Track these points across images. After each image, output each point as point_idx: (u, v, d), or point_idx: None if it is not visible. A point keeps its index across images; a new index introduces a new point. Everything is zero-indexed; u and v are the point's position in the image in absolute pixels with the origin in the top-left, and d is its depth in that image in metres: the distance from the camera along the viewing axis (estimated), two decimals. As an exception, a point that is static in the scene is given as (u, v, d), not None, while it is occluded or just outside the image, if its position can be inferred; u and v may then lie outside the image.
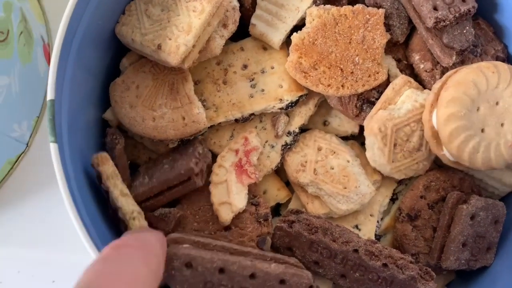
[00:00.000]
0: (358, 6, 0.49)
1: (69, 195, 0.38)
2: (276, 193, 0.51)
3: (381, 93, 0.51)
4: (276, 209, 0.53)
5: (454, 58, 0.50)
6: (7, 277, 0.57)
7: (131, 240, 0.35)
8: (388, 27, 0.50)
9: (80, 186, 0.40)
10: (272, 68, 0.51)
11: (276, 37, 0.50)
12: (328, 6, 0.49)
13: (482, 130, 0.47)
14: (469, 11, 0.49)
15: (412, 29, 0.53)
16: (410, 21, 0.52)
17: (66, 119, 0.41)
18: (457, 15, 0.49)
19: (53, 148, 0.38)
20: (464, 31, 0.50)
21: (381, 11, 0.49)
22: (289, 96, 0.50)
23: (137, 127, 0.47)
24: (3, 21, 0.50)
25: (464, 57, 0.51)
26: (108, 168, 0.41)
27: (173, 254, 0.38)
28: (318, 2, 0.50)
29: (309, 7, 0.50)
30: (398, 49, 0.53)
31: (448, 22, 0.49)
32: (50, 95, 0.39)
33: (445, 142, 0.47)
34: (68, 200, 0.38)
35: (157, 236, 0.37)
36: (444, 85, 0.47)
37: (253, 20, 0.51)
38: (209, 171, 0.48)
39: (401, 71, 0.52)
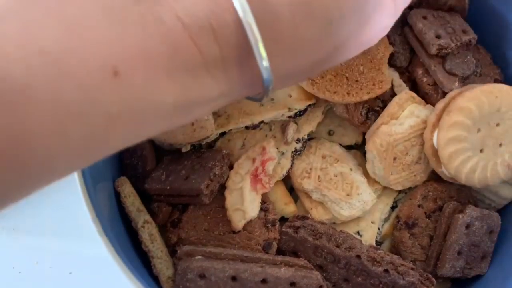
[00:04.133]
0: None
1: (85, 189, 0.38)
2: (283, 207, 0.47)
3: (385, 102, 0.48)
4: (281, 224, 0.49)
5: (456, 84, 0.47)
6: (26, 267, 0.54)
7: None
8: (391, 54, 0.48)
9: (94, 182, 0.39)
10: (282, 79, 0.48)
11: None
12: None
13: (481, 151, 0.44)
14: (470, 41, 0.47)
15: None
16: (412, 48, 0.49)
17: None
18: (458, 44, 0.46)
19: None
20: (466, 60, 0.47)
21: None
22: (298, 105, 0.46)
23: None
24: None
25: (471, 71, 0.48)
26: (126, 188, 0.43)
27: (186, 267, 0.36)
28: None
29: None
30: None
31: (450, 50, 0.46)
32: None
33: (444, 163, 0.44)
34: (84, 194, 0.38)
35: None
36: (446, 107, 0.44)
37: None
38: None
39: (403, 82, 0.49)
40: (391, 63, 0.48)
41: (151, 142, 0.46)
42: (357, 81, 0.46)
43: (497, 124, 0.44)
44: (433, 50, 0.46)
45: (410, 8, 0.49)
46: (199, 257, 0.38)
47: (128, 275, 0.35)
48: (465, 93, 0.44)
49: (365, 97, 0.46)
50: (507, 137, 0.44)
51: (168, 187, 0.42)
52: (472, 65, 0.47)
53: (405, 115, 0.46)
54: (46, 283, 0.53)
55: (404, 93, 0.47)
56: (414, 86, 0.50)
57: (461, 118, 0.43)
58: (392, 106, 0.46)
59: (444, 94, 0.47)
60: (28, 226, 0.55)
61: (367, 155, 0.47)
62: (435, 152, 0.45)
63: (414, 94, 0.47)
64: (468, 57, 0.48)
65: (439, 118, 0.45)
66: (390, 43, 0.47)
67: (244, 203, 0.43)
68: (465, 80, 0.47)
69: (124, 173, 0.46)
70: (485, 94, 0.44)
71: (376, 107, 0.48)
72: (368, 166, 0.47)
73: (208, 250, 0.38)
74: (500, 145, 0.44)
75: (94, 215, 0.37)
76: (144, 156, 0.46)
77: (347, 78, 0.46)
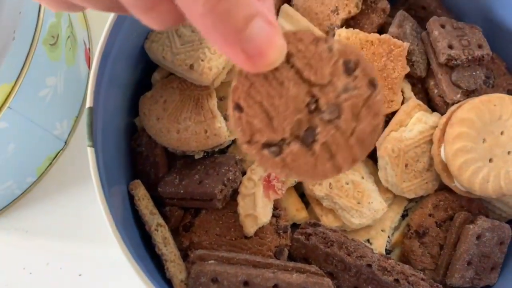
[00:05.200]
0: (385, 36, 0.46)
1: (102, 194, 0.37)
2: (294, 213, 0.47)
3: (394, 114, 0.48)
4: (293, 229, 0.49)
5: (458, 96, 0.47)
6: (36, 268, 0.54)
7: None
8: (411, 63, 0.48)
9: (109, 185, 0.39)
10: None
11: None
12: (356, 30, 0.46)
13: (490, 160, 0.44)
14: (483, 57, 0.47)
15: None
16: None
17: (100, 125, 0.39)
18: (469, 57, 0.46)
19: (90, 152, 0.37)
20: (474, 74, 0.47)
21: (406, 44, 0.46)
22: (310, 111, 0.46)
23: (162, 138, 0.45)
24: (55, 26, 0.48)
25: (477, 86, 0.48)
26: (139, 191, 0.43)
27: (199, 271, 0.36)
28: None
29: None
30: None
31: (459, 62, 0.46)
32: (89, 103, 0.38)
33: (456, 175, 0.44)
34: (102, 200, 0.37)
35: None
36: (448, 121, 0.45)
37: None
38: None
39: (415, 94, 0.49)
40: (411, 71, 0.48)
41: (164, 149, 0.46)
42: None
43: (502, 133, 0.44)
44: (442, 59, 0.46)
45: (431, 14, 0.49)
46: (212, 261, 0.38)
47: (142, 277, 0.35)
48: (464, 105, 0.45)
49: None
50: None
51: (181, 191, 0.42)
52: (480, 80, 0.47)
53: (413, 122, 0.46)
54: (56, 284, 0.53)
55: (411, 101, 0.47)
56: (426, 97, 0.50)
57: (464, 129, 0.43)
58: (400, 114, 0.47)
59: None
60: (39, 227, 0.55)
61: (379, 162, 0.47)
62: (445, 167, 0.45)
63: (421, 102, 0.47)
64: (478, 72, 0.47)
65: (443, 133, 0.45)
66: (409, 53, 0.47)
67: (257, 208, 0.43)
68: (469, 94, 0.47)
69: (137, 179, 0.46)
70: (483, 104, 0.44)
71: (385, 118, 0.48)
72: (381, 174, 0.47)
73: (221, 255, 0.38)
74: (509, 153, 0.44)
75: (110, 218, 0.37)
76: (156, 163, 0.46)
77: None
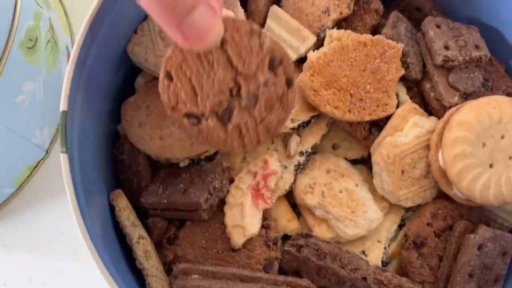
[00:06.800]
0: (378, 37, 0.44)
1: (76, 203, 0.35)
2: (285, 224, 0.44)
3: (389, 117, 0.45)
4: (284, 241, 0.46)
5: (456, 99, 0.45)
6: (18, 284, 0.52)
7: None
8: (406, 65, 0.46)
9: (87, 195, 0.37)
10: (284, 88, 0.46)
11: None
12: (348, 31, 0.44)
13: (491, 166, 0.42)
14: (480, 58, 0.45)
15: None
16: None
17: (78, 131, 0.37)
18: (467, 58, 0.44)
19: (63, 158, 0.35)
20: (472, 76, 0.45)
21: (400, 45, 0.44)
22: (301, 116, 0.44)
23: (144, 145, 0.43)
24: (32, 29, 0.46)
25: (475, 88, 0.46)
26: (121, 201, 0.41)
27: (182, 287, 0.34)
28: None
29: (308, 48, 0.45)
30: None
31: (456, 63, 0.44)
32: (62, 106, 0.36)
33: (455, 182, 0.42)
34: (75, 211, 0.35)
35: None
36: (446, 125, 0.43)
37: None
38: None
39: (411, 98, 0.47)
40: (406, 74, 0.46)
41: (147, 157, 0.44)
42: (361, 99, 0.44)
43: (502, 137, 0.42)
44: (439, 60, 0.44)
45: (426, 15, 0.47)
46: (196, 276, 0.35)
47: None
48: (463, 108, 0.43)
49: (367, 118, 0.44)
50: None
51: (164, 201, 0.40)
52: (478, 82, 0.45)
53: (409, 126, 0.44)
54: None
55: (407, 105, 0.45)
56: (422, 101, 0.48)
57: (462, 133, 0.41)
58: (395, 118, 0.45)
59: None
60: (20, 241, 0.53)
61: (374, 169, 0.44)
62: (444, 173, 0.43)
63: (416, 106, 0.46)
64: (475, 73, 0.45)
65: (441, 138, 0.43)
66: (403, 54, 0.45)
67: (245, 219, 0.40)
68: (467, 97, 0.45)
69: (119, 188, 0.44)
70: (482, 106, 0.42)
71: (380, 122, 0.46)
72: (376, 181, 0.44)
73: (205, 269, 0.36)
74: (510, 158, 0.42)
75: (84, 229, 0.35)
76: (139, 172, 0.44)
77: (351, 94, 0.44)
